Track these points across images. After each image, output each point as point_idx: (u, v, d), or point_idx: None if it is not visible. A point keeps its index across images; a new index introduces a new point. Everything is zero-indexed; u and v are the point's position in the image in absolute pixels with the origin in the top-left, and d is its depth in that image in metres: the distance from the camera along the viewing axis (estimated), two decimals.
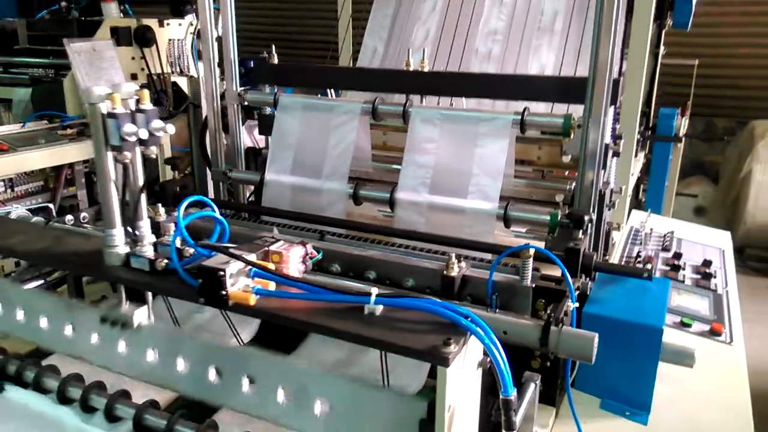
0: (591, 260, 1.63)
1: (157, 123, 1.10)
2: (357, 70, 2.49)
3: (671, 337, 1.71)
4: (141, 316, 1.14)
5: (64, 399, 1.33)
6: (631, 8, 2.60)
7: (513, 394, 0.95)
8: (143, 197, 1.19)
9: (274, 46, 2.47)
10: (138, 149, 1.14)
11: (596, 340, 1.23)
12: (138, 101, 1.11)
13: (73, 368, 1.41)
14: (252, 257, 1.05)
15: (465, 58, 2.67)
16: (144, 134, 1.09)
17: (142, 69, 4.22)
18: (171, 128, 1.12)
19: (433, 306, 0.97)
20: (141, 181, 1.19)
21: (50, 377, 1.38)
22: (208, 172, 2.52)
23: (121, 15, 4.39)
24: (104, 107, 1.08)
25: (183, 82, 4.50)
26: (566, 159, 2.05)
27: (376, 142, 2.40)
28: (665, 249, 2.57)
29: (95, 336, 1.23)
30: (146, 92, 1.11)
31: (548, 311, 1.34)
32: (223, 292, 1.01)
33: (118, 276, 1.16)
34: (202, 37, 2.33)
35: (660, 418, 1.55)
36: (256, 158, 2.52)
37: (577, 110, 1.88)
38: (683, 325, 1.98)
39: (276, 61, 2.48)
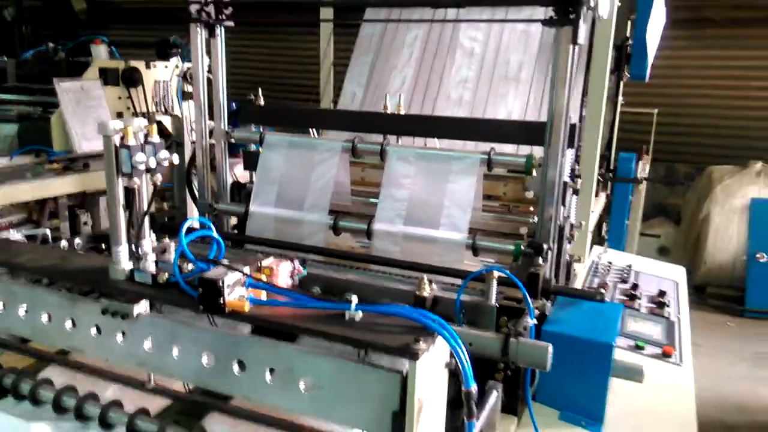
0: (549, 284, 1.80)
1: (163, 154, 1.25)
2: (338, 112, 2.68)
3: (625, 357, 1.88)
4: (140, 307, 1.26)
5: (59, 409, 1.43)
6: (589, 61, 2.85)
7: (473, 386, 1.09)
8: (146, 219, 1.33)
9: (260, 89, 2.64)
10: (145, 176, 1.28)
11: (550, 349, 1.38)
12: (146, 135, 1.26)
13: (67, 379, 1.51)
14: (246, 270, 1.19)
15: (438, 104, 2.89)
16: (153, 163, 1.23)
17: (128, 108, 4.38)
18: (176, 158, 1.27)
19: (405, 312, 1.12)
20: (146, 205, 1.33)
21: (46, 389, 1.47)
22: (192, 205, 2.65)
23: (109, 57, 4.56)
24: (117, 139, 1.22)
25: (167, 121, 4.66)
26: (529, 195, 2.24)
27: (355, 177, 2.56)
28: (623, 281, 2.76)
29: (95, 329, 1.35)
30: (155, 127, 1.26)
31: (509, 325, 1.49)
32: (221, 301, 1.14)
33: (123, 289, 1.28)
34: (193, 79, 2.49)
35: (614, 429, 1.70)
36: (240, 192, 2.67)
37: (539, 151, 2.07)
38: (637, 348, 2.15)
39: (262, 102, 2.65)
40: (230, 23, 2.44)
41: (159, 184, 1.29)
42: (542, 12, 2.96)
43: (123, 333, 1.30)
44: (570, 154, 2.17)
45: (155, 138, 1.26)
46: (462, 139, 2.39)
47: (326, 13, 3.30)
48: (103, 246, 2.01)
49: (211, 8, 2.38)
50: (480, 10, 2.95)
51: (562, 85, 1.89)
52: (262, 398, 1.19)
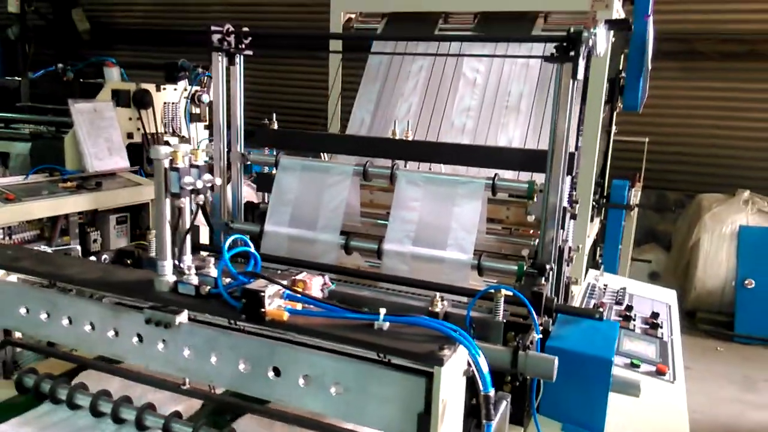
0: (552, 303, 1.92)
1: (207, 176, 1.37)
2: (348, 137, 2.82)
3: (622, 374, 2.00)
4: (182, 317, 1.38)
5: (96, 413, 1.53)
6: (585, 93, 3.02)
7: (491, 391, 1.20)
8: (188, 236, 1.44)
9: (275, 115, 2.78)
10: (189, 197, 1.40)
11: (556, 361, 1.50)
12: (191, 158, 1.38)
13: (102, 385, 1.61)
14: (284, 283, 1.30)
15: (442, 130, 3.04)
16: (200, 185, 1.35)
17: (138, 129, 4.49)
18: (219, 181, 1.39)
19: (429, 323, 1.24)
20: (188, 223, 1.44)
21: (82, 394, 1.57)
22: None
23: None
24: (166, 162, 1.34)
25: (175, 142, 4.78)
26: (530, 218, 2.37)
27: (364, 200, 2.69)
28: (618, 303, 2.89)
29: (137, 338, 1.46)
30: (200, 151, 1.38)
31: (517, 339, 1.61)
32: (262, 310, 1.25)
33: (168, 300, 1.39)
34: (214, 104, 2.61)
35: None
36: (253, 212, 2.78)
37: (539, 177, 2.21)
38: (633, 366, 2.27)
39: (276, 127, 2.78)
40: (249, 52, 2.58)
41: (202, 204, 1.40)
42: (540, 48, 3.16)
43: (164, 341, 1.41)
44: (568, 180, 2.31)
45: (200, 161, 1.39)
46: (468, 165, 2.52)
47: (335, 45, 3.46)
48: (128, 261, 2.12)
49: (232, 38, 2.52)
50: (482, 44, 3.12)
51: (563, 116, 2.03)
52: (296, 402, 1.30)
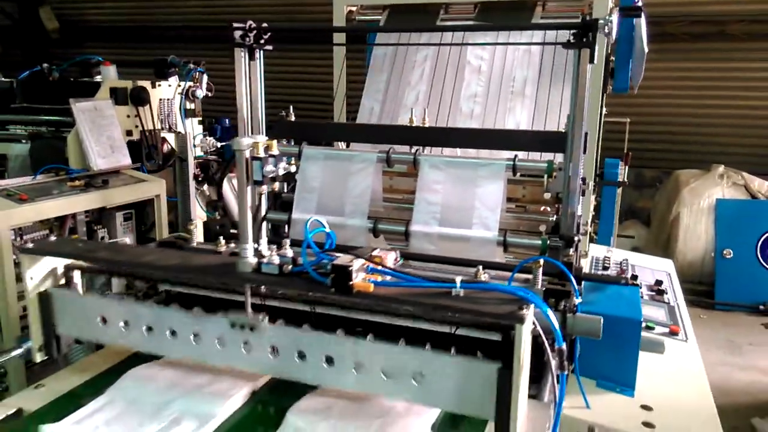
0: (580, 272, 2.07)
1: (284, 164, 1.48)
2: (368, 126, 2.92)
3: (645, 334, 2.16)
4: (264, 318, 1.49)
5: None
6: None
7: (564, 344, 1.34)
8: (264, 223, 1.54)
9: (291, 107, 2.85)
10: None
11: (601, 320, 1.65)
12: (267, 149, 1.48)
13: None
14: (366, 257, 1.42)
15: (451, 116, 3.16)
16: (281, 171, 1.45)
17: (136, 126, 4.52)
18: (293, 168, 1.50)
19: (504, 288, 1.37)
20: (264, 210, 1.54)
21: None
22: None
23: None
24: (248, 152, 1.44)
25: (171, 138, 4.83)
26: (547, 196, 2.52)
27: (384, 186, 2.80)
28: (622, 272, 3.06)
29: (220, 340, 1.57)
30: (275, 143, 1.48)
31: (563, 304, 1.75)
32: (350, 283, 1.36)
33: (254, 279, 1.49)
34: (237, 99, 2.68)
35: (642, 393, 1.97)
36: (275, 201, 2.87)
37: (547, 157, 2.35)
38: (648, 329, 2.43)
39: (293, 118, 2.86)
40: (269, 47, 2.66)
41: (277, 190, 1.50)
42: (540, 35, 3.30)
43: (246, 342, 1.53)
44: (583, 159, 2.46)
45: (275, 151, 1.48)
46: (488, 149, 2.65)
47: (339, 37, 3.55)
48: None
49: (252, 34, 2.59)
50: (485, 33, 3.25)
51: (581, 98, 2.18)
52: (378, 391, 1.43)
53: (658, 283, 2.94)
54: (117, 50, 10.61)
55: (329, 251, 1.44)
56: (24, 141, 4.33)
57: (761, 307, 6.18)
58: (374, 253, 1.48)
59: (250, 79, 2.69)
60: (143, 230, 4.25)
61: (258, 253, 1.52)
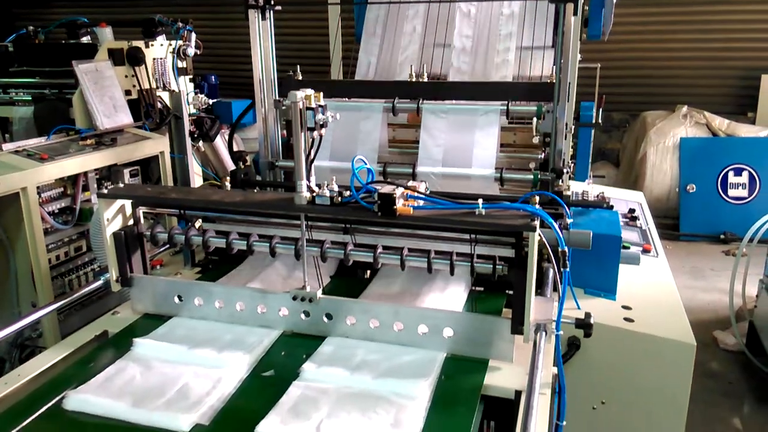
0: (569, 198, 2.43)
1: (328, 113, 1.77)
2: (374, 82, 3.16)
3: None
4: (320, 292, 1.89)
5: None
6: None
7: (566, 248, 1.69)
8: (312, 165, 1.83)
9: (299, 66, 3.08)
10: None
11: (591, 233, 2.00)
12: (315, 100, 1.76)
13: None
14: (404, 186, 1.74)
15: (444, 69, 3.42)
16: (330, 118, 1.75)
17: (134, 86, 4.67)
18: (338, 116, 1.79)
19: (519, 206, 1.70)
20: (313, 152, 1.83)
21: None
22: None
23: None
24: (301, 103, 1.72)
25: (166, 96, 4.99)
26: (535, 140, 2.85)
27: (388, 137, 3.09)
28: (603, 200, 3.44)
29: (284, 310, 1.94)
30: (321, 94, 1.76)
31: (558, 223, 2.09)
32: (394, 208, 1.67)
33: (311, 209, 1.79)
34: (253, 58, 2.91)
35: (622, 296, 2.36)
36: (288, 152, 3.14)
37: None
38: (624, 248, 2.82)
39: (300, 77, 3.09)
40: (278, 7, 2.89)
41: (322, 136, 1.79)
42: None
43: (306, 312, 1.90)
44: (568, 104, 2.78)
45: (321, 102, 1.77)
46: (483, 100, 2.92)
47: None
48: None
49: None
50: None
51: (567, 49, 2.48)
52: (417, 344, 1.81)
53: (631, 211, 3.33)
54: (86, 9, 10.45)
55: (372, 183, 1.75)
56: (26, 104, 4.46)
57: (722, 236, 6.71)
58: (410, 184, 1.79)
59: (261, 38, 2.93)
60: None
61: (310, 189, 1.81)
